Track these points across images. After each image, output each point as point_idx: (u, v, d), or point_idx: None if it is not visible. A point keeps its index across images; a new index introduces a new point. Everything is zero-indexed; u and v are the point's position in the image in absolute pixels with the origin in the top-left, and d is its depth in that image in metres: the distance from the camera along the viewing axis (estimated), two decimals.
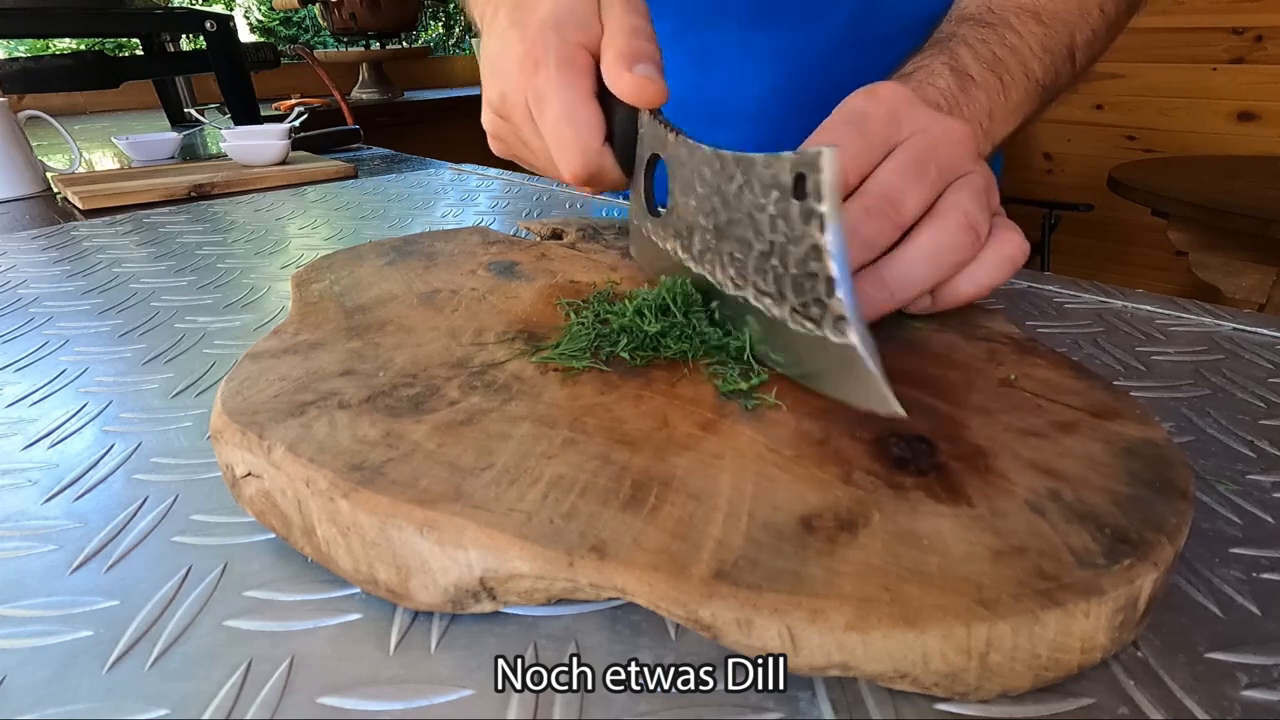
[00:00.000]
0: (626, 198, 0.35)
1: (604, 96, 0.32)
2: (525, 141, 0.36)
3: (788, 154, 0.23)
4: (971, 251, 0.29)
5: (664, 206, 0.33)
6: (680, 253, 0.32)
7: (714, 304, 0.30)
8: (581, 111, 0.31)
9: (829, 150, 0.22)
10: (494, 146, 0.39)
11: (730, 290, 0.28)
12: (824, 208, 0.22)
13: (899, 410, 0.22)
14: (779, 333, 0.26)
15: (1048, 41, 0.42)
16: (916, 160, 0.29)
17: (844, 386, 0.24)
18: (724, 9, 0.59)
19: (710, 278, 0.29)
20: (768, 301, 0.26)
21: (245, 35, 2.59)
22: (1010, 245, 0.30)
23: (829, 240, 0.22)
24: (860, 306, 0.23)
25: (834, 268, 0.22)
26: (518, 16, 0.33)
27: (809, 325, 0.24)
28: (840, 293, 0.22)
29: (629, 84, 0.30)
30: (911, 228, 0.29)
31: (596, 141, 0.32)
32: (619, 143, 0.33)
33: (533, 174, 0.38)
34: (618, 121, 0.33)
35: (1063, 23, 0.43)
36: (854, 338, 0.22)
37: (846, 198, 0.29)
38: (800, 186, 0.23)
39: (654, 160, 0.33)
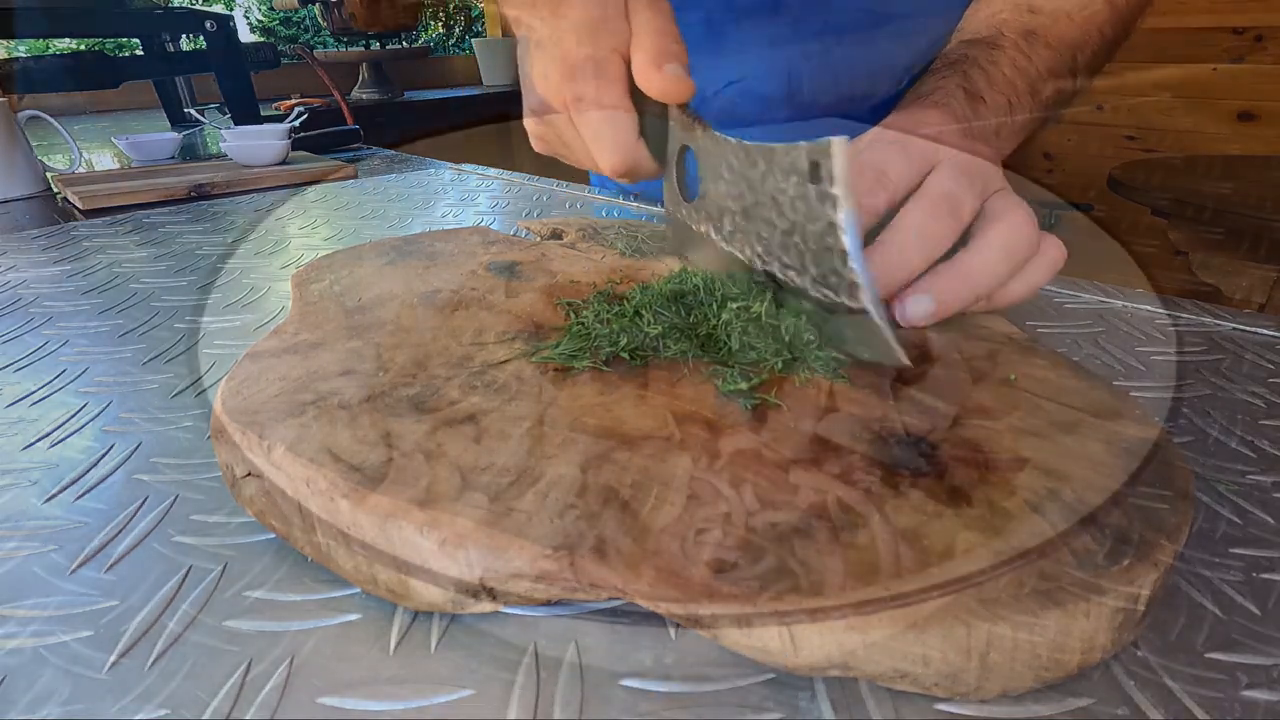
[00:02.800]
0: (659, 186, 0.39)
1: (635, 93, 0.35)
2: (566, 142, 0.39)
3: (803, 143, 0.26)
4: (1035, 248, 0.31)
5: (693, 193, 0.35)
6: (713, 234, 0.34)
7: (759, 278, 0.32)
8: (617, 112, 0.35)
9: (839, 139, 0.24)
10: (536, 146, 0.42)
11: (758, 265, 0.31)
12: (837, 190, 0.25)
13: (904, 359, 0.25)
14: (802, 300, 0.29)
15: (1053, 63, 0.44)
16: (964, 169, 0.32)
17: (857, 342, 0.27)
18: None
19: (739, 254, 0.32)
20: (791, 273, 0.29)
21: (245, 35, 2.59)
22: (1054, 249, 0.32)
23: (842, 218, 0.25)
24: (874, 275, 0.26)
25: (847, 242, 0.25)
26: (553, 26, 0.36)
27: (827, 292, 0.27)
28: (853, 263, 0.25)
29: (659, 83, 0.33)
30: (966, 232, 0.31)
31: (632, 138, 0.35)
32: (651, 136, 0.36)
33: (575, 170, 0.43)
34: (649, 116, 0.36)
35: (1067, 45, 0.45)
36: (866, 301, 0.25)
37: (899, 206, 0.31)
38: (815, 172, 0.25)
39: (684, 150, 0.35)
